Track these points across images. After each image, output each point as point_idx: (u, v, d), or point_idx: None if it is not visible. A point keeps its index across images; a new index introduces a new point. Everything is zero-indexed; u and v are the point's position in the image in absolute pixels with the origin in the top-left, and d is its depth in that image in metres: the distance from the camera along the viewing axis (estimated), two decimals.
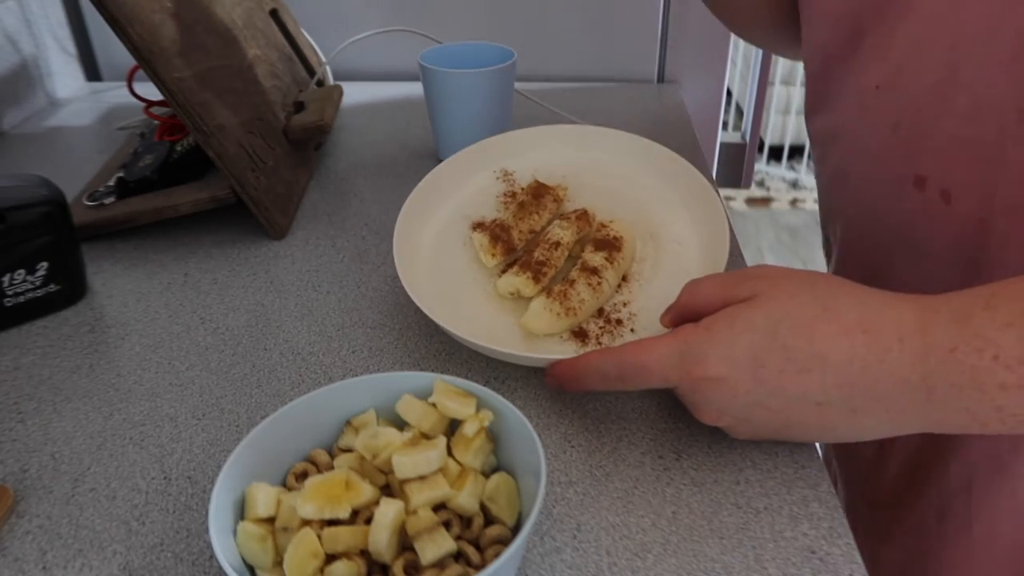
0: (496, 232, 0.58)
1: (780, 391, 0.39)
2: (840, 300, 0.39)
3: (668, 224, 0.60)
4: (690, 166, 0.60)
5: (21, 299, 0.57)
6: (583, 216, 0.59)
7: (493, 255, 0.57)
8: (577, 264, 0.55)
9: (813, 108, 0.58)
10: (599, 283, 0.53)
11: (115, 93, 1.04)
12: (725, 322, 0.40)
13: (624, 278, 0.56)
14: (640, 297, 0.55)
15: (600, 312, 0.54)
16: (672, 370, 0.41)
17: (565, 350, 0.51)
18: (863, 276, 0.58)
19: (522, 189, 0.63)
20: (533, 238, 0.59)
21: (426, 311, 0.50)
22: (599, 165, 0.64)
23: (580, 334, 0.52)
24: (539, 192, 0.61)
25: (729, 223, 0.55)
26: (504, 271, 0.57)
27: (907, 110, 0.48)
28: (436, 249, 0.59)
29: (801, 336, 0.38)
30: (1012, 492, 0.50)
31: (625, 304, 0.55)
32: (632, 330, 0.53)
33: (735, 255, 0.65)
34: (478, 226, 0.60)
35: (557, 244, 0.57)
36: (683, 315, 0.44)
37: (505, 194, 0.63)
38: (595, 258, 0.55)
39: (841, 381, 0.37)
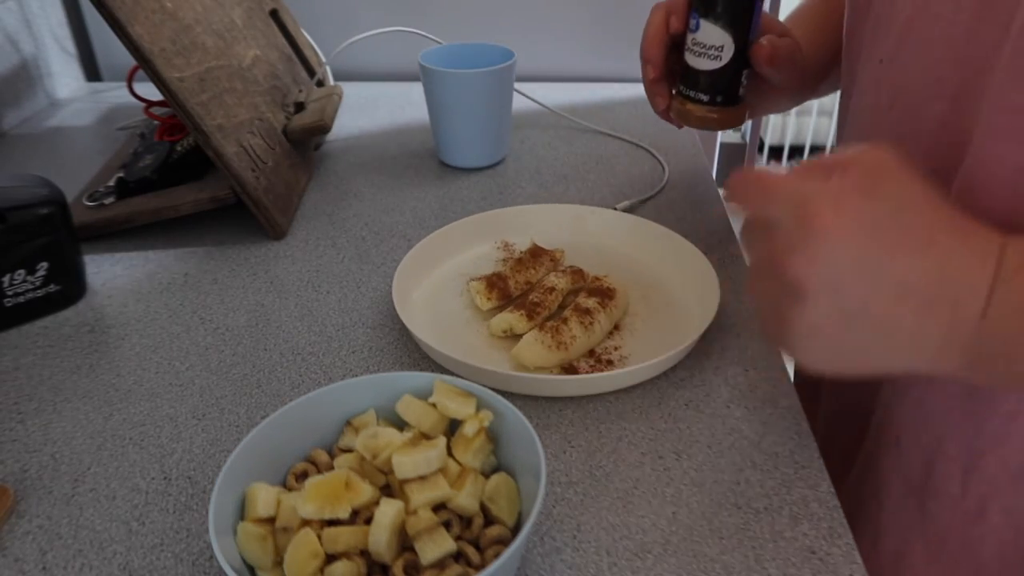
0: (493, 280, 0.59)
1: (883, 262, 0.37)
2: (950, 209, 0.37)
3: (661, 288, 0.60)
4: (683, 239, 0.62)
5: (21, 299, 0.57)
6: (578, 271, 0.60)
7: (488, 299, 0.58)
8: (571, 306, 0.56)
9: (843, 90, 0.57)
10: (591, 323, 0.54)
11: (115, 93, 1.04)
12: (865, 180, 0.37)
13: (616, 326, 0.56)
14: (631, 342, 0.55)
15: (591, 353, 0.54)
16: (811, 189, 0.37)
17: (555, 384, 0.50)
18: None
19: (521, 252, 0.64)
20: (528, 288, 0.60)
21: (419, 335, 0.49)
22: (597, 240, 0.66)
23: (570, 370, 0.52)
24: (536, 252, 0.62)
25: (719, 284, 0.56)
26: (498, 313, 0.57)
27: (903, 88, 0.47)
28: (432, 297, 0.60)
29: (920, 223, 0.37)
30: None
31: (616, 348, 0.55)
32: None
33: (735, 256, 0.65)
34: (476, 279, 0.61)
35: (552, 289, 0.58)
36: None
37: (504, 258, 0.64)
38: (588, 302, 0.55)
39: (932, 269, 0.36)
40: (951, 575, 0.51)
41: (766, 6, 0.63)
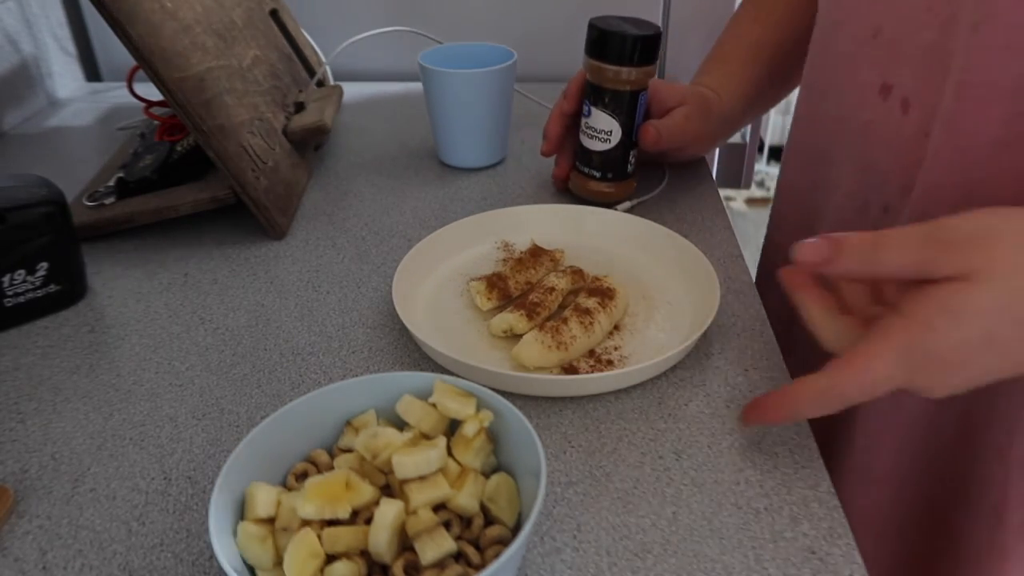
0: (493, 280, 0.59)
1: (1012, 354, 0.38)
2: None
3: (661, 288, 0.60)
4: (683, 239, 0.62)
5: (21, 299, 0.57)
6: (578, 271, 0.60)
7: (489, 299, 0.58)
8: (571, 306, 0.56)
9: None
10: (591, 323, 0.54)
11: (115, 93, 1.04)
12: (946, 316, 0.37)
13: (616, 327, 0.56)
14: (631, 343, 0.55)
15: (591, 353, 0.54)
16: (902, 376, 0.39)
17: (555, 384, 0.50)
18: (802, 193, 0.64)
19: (521, 252, 0.63)
20: (529, 288, 0.60)
21: (419, 335, 0.49)
22: (596, 241, 0.66)
23: (570, 371, 0.52)
24: (536, 252, 0.62)
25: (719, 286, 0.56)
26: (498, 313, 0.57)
27: (890, 16, 0.50)
28: (432, 297, 0.60)
29: None
30: None
31: (616, 348, 0.54)
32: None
33: (735, 256, 0.65)
34: (476, 279, 0.60)
35: (552, 289, 0.58)
36: (863, 275, 0.41)
37: (504, 258, 0.64)
38: (588, 302, 0.55)
39: None
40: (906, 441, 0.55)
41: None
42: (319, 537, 0.36)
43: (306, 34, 0.96)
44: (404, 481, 0.37)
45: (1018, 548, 0.52)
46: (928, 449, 0.56)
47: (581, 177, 0.72)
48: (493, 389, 0.42)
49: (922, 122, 0.49)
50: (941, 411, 0.54)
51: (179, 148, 0.73)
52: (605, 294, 0.56)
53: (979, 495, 0.53)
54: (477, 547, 0.37)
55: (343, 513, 0.36)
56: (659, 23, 1.03)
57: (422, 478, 0.37)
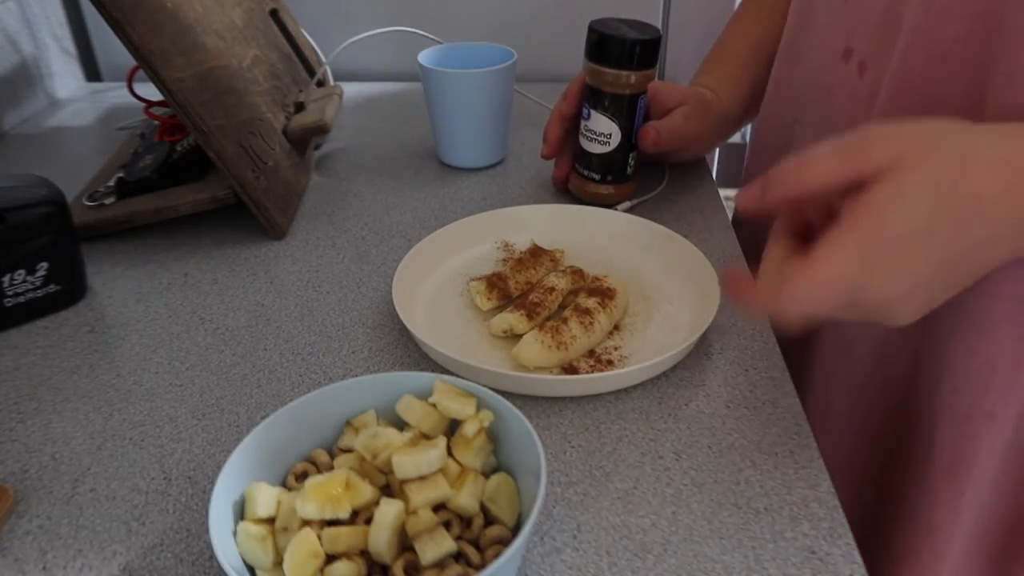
0: (493, 280, 0.59)
1: (956, 242, 0.38)
2: (971, 142, 0.38)
3: (661, 288, 0.60)
4: (683, 239, 0.61)
5: (21, 299, 0.57)
6: (578, 271, 0.60)
7: (489, 299, 0.58)
8: (571, 306, 0.56)
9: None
10: (591, 323, 0.54)
11: (115, 93, 1.04)
12: (889, 203, 0.37)
13: (616, 327, 0.56)
14: (631, 343, 0.55)
15: (591, 353, 0.54)
16: (859, 273, 0.38)
17: (555, 384, 0.50)
18: (772, 155, 0.67)
19: (521, 252, 0.63)
20: (529, 288, 0.60)
21: (419, 335, 0.49)
22: (596, 241, 0.66)
23: (570, 371, 0.52)
24: (536, 252, 0.62)
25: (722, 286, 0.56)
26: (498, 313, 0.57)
27: None
28: (432, 297, 0.60)
29: (961, 182, 0.37)
30: None
31: (616, 348, 0.54)
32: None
33: (735, 256, 0.65)
34: (476, 279, 0.60)
35: (552, 289, 0.58)
36: (796, 196, 0.41)
37: (504, 258, 0.64)
38: (588, 302, 0.55)
39: (1001, 208, 0.37)
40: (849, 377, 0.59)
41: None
42: (319, 537, 0.36)
43: (306, 34, 0.96)
44: (404, 481, 0.37)
45: (943, 490, 0.53)
46: (879, 392, 0.58)
47: (580, 179, 0.72)
48: (493, 389, 0.42)
49: (874, 84, 0.52)
50: (888, 354, 0.56)
51: (179, 148, 0.73)
52: (605, 294, 0.56)
53: (917, 438, 0.55)
54: (477, 547, 0.37)
55: (343, 513, 0.36)
56: (659, 24, 1.03)
57: (422, 478, 0.37)
